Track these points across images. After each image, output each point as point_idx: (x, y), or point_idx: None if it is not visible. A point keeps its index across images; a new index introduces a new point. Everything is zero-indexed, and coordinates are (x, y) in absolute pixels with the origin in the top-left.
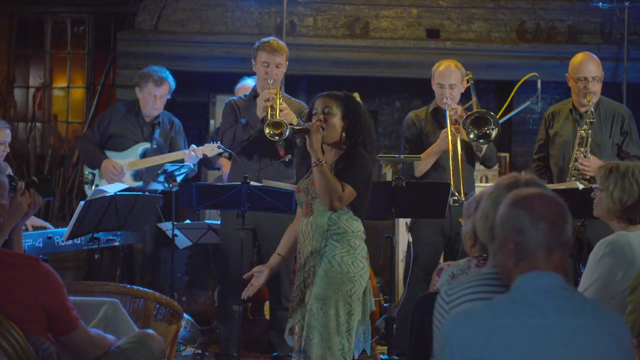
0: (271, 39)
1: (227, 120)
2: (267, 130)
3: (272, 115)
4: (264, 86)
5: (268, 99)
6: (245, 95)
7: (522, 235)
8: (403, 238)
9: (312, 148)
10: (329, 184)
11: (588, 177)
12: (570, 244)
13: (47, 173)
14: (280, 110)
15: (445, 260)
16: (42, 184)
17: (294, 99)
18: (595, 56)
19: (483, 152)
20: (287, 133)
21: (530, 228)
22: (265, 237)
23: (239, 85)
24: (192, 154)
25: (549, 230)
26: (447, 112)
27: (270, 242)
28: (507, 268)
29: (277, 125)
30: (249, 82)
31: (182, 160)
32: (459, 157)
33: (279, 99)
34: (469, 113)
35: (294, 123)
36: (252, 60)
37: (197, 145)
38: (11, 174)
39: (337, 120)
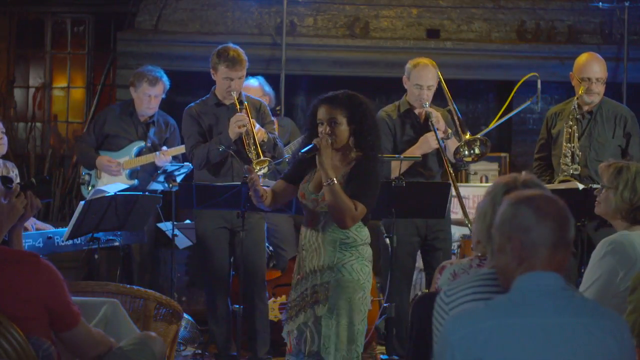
0: (230, 47)
1: (192, 135)
2: (256, 168)
3: (249, 144)
4: (227, 97)
5: (243, 125)
6: (202, 100)
7: (528, 233)
8: None
9: (323, 167)
10: (342, 204)
11: (577, 174)
12: (572, 245)
13: (47, 173)
14: (256, 134)
15: (424, 260)
16: (40, 186)
17: (252, 96)
18: (600, 57)
19: (464, 166)
20: (272, 166)
21: (536, 226)
22: (238, 236)
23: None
24: (162, 157)
25: (555, 229)
26: (432, 122)
27: (247, 242)
28: (508, 268)
29: (261, 162)
30: (252, 82)
31: (153, 164)
32: (447, 162)
33: (250, 118)
34: (464, 141)
35: (265, 140)
36: (211, 68)
37: None
38: (17, 174)
39: (343, 128)
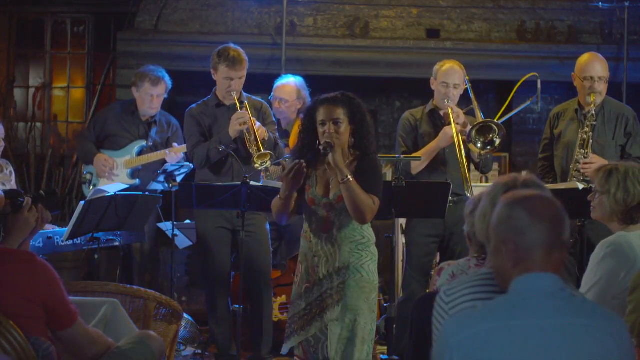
0: (231, 48)
1: (194, 134)
2: (256, 163)
3: (250, 140)
4: (227, 97)
5: (244, 122)
6: (204, 101)
7: (523, 235)
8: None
9: (338, 165)
10: (362, 200)
11: (589, 178)
12: (569, 244)
13: (47, 173)
14: (257, 131)
15: (441, 260)
16: (49, 198)
17: (253, 97)
18: (601, 56)
19: (479, 160)
20: (272, 162)
21: (530, 228)
22: (243, 236)
23: (278, 84)
24: (172, 154)
25: (549, 230)
26: (451, 115)
27: (248, 242)
28: (504, 270)
29: (262, 156)
30: (290, 81)
31: (165, 160)
32: (463, 155)
33: (251, 116)
34: (475, 124)
35: (265, 138)
36: (211, 68)
37: None
38: (11, 171)
39: (345, 127)
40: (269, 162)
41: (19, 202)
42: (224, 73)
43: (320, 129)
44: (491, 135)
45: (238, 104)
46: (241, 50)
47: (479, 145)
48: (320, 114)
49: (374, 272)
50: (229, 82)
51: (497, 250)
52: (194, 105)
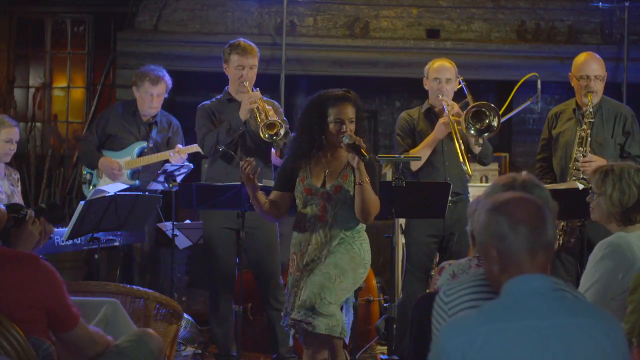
0: (241, 40)
1: (205, 125)
2: (264, 134)
3: (262, 118)
4: (240, 89)
5: (253, 102)
6: (217, 99)
7: (504, 241)
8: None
9: (360, 169)
10: (372, 202)
11: (588, 176)
12: (554, 244)
13: (47, 173)
14: (267, 112)
15: (440, 259)
16: (51, 211)
17: (264, 97)
18: (598, 56)
19: (480, 148)
20: (282, 133)
21: (510, 233)
22: (250, 237)
23: None
24: (177, 155)
25: (529, 234)
26: (445, 109)
27: (254, 243)
28: (493, 274)
29: (271, 126)
30: None
31: (168, 161)
32: (459, 139)
33: (262, 98)
34: (469, 107)
35: (275, 119)
36: (223, 63)
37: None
38: (18, 178)
39: (354, 126)
40: (282, 130)
41: (22, 214)
42: (236, 61)
43: (333, 126)
44: (487, 121)
45: (250, 91)
46: (253, 44)
47: (472, 132)
48: (336, 112)
49: (366, 253)
50: (240, 72)
51: (485, 255)
52: (207, 102)
